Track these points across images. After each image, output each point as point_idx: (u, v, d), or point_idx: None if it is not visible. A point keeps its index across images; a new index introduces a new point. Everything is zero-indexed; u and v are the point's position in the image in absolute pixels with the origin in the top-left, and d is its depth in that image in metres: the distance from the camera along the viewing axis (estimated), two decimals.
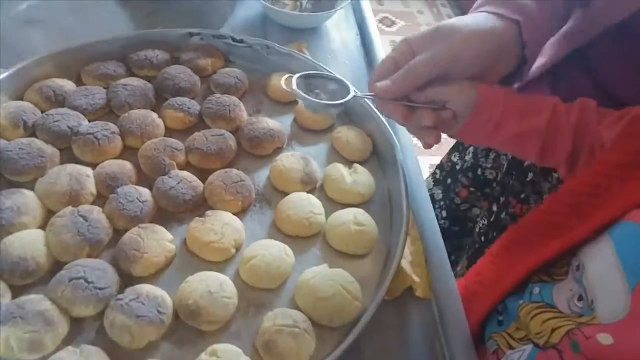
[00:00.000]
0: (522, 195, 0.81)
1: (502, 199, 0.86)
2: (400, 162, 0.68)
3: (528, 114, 0.54)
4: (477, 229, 0.95)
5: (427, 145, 0.60)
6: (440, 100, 0.55)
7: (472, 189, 0.97)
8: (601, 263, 0.49)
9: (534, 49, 0.57)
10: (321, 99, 0.61)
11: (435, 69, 0.53)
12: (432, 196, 1.05)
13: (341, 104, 0.61)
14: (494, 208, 0.88)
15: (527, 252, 0.57)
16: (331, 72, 0.69)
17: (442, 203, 1.03)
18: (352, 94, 0.61)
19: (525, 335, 0.55)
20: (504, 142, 0.57)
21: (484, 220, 0.93)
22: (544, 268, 0.57)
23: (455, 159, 0.99)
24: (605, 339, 0.44)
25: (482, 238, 0.90)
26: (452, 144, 1.02)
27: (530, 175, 0.79)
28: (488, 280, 0.62)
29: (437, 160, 1.16)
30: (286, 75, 0.64)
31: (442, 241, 0.66)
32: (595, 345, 0.44)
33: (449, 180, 1.00)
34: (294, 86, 0.61)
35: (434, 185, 1.05)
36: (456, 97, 0.54)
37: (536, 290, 0.56)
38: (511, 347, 0.55)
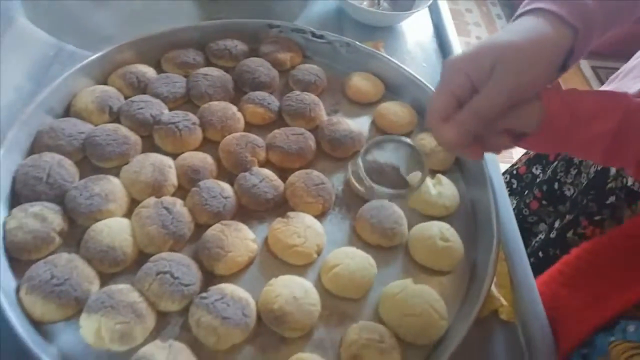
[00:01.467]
0: (597, 218, 0.77)
1: (568, 217, 0.82)
2: (488, 176, 0.66)
3: (597, 118, 0.48)
4: (534, 244, 0.92)
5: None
6: (510, 128, 0.49)
7: (544, 202, 0.93)
8: None
9: (577, 58, 0.51)
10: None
11: (504, 106, 0.46)
12: None
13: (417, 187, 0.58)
14: (556, 225, 0.85)
15: (616, 288, 0.54)
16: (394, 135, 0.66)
17: None
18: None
19: None
20: (573, 149, 0.52)
21: (543, 234, 0.89)
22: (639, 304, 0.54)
23: (537, 171, 0.96)
24: None
25: (541, 254, 0.87)
26: (532, 156, 0.99)
27: (612, 198, 0.75)
28: (571, 310, 0.59)
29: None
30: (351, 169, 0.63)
31: (528, 263, 0.63)
32: None
33: (526, 192, 0.97)
34: (366, 178, 0.59)
35: (509, 195, 1.02)
36: (526, 120, 0.48)
37: (631, 328, 0.53)
38: None
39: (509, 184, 1.05)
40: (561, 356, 0.57)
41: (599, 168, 0.79)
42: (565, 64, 0.49)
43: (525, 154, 1.04)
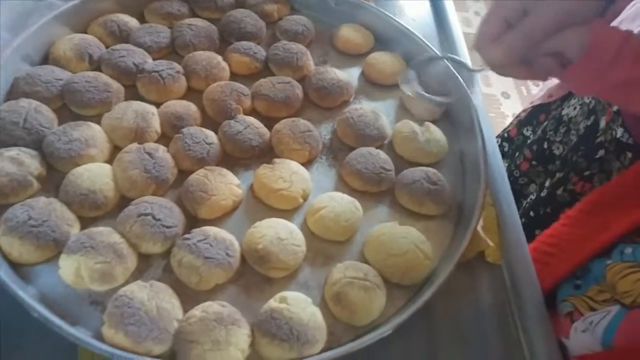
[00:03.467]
0: (587, 173, 0.77)
1: (558, 175, 0.82)
2: (477, 122, 0.65)
3: (637, 62, 0.48)
4: (525, 204, 0.91)
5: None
6: (557, 51, 0.50)
7: (534, 162, 0.93)
8: None
9: None
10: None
11: (553, 29, 0.48)
12: None
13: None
14: (547, 183, 0.85)
15: (617, 216, 0.54)
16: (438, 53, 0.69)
17: None
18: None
19: (611, 297, 0.52)
20: (610, 89, 0.52)
21: (533, 195, 0.89)
22: (637, 230, 0.54)
23: (527, 132, 0.95)
24: None
25: (532, 213, 0.87)
26: (523, 118, 0.98)
27: (601, 152, 0.74)
28: (566, 244, 0.59)
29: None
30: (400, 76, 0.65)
31: (515, 207, 0.63)
32: None
33: (517, 154, 0.96)
34: (418, 89, 0.63)
35: (501, 158, 1.01)
36: (574, 45, 0.49)
37: (628, 250, 0.53)
38: (592, 309, 0.53)
39: (501, 147, 1.04)
40: (550, 287, 0.58)
41: (589, 123, 0.79)
42: None
43: (516, 117, 1.03)
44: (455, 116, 0.71)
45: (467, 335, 0.55)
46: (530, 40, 0.48)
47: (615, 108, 0.71)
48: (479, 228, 0.58)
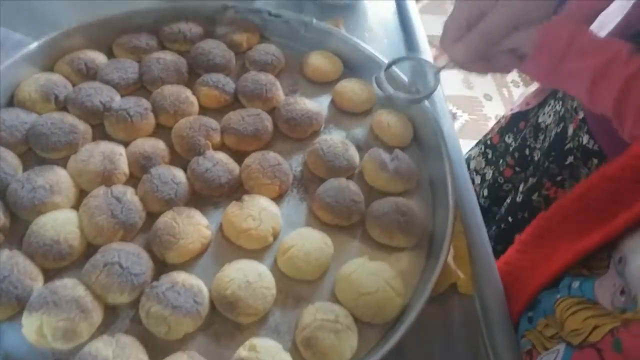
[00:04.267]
0: (559, 178, 0.78)
1: (532, 180, 0.83)
2: (445, 151, 0.65)
3: (588, 52, 0.52)
4: (502, 210, 0.92)
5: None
6: (514, 48, 0.55)
7: (517, 168, 0.94)
8: None
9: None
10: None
11: (508, 29, 0.53)
12: (483, 176, 1.03)
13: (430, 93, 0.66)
14: (521, 188, 0.86)
15: (564, 244, 0.54)
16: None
17: (487, 182, 1.01)
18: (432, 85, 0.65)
19: (556, 333, 0.52)
20: (562, 80, 0.56)
21: (509, 199, 0.90)
22: (583, 261, 0.54)
23: (509, 140, 0.97)
24: None
25: (510, 218, 0.88)
26: (504, 125, 0.99)
27: (570, 158, 0.76)
28: (519, 272, 0.60)
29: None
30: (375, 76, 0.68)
31: (487, 236, 0.63)
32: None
33: (500, 161, 0.97)
34: (388, 87, 0.66)
35: (485, 165, 1.02)
36: (528, 42, 0.54)
37: (575, 284, 0.53)
38: (545, 348, 0.53)
39: (484, 154, 1.05)
40: (513, 322, 0.58)
41: (558, 130, 0.80)
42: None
43: (497, 123, 1.05)
44: (424, 142, 0.71)
45: None
46: (488, 38, 0.54)
47: (581, 115, 0.73)
48: (450, 259, 0.58)
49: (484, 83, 2.59)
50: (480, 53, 0.55)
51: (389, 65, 0.69)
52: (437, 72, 0.65)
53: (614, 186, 0.51)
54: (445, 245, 0.56)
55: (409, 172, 0.65)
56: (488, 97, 2.56)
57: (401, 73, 0.75)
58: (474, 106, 2.50)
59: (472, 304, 0.59)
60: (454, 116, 2.42)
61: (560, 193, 0.77)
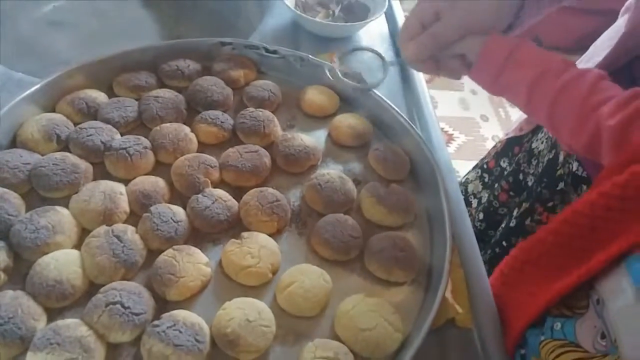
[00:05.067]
0: (550, 204, 0.79)
1: (525, 205, 0.84)
2: (442, 186, 0.66)
3: (525, 65, 0.56)
4: (497, 234, 0.93)
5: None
6: (461, 54, 0.60)
7: (511, 193, 0.95)
8: (620, 300, 0.45)
9: (530, 15, 0.61)
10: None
11: (457, 35, 0.58)
12: (479, 200, 1.05)
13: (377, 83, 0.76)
14: (515, 213, 0.87)
15: (544, 281, 0.54)
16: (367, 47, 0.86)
17: (483, 206, 1.02)
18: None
19: None
20: (503, 90, 0.60)
21: (504, 224, 0.91)
22: (564, 299, 0.53)
23: (504, 164, 0.98)
24: None
25: (505, 243, 0.88)
26: (500, 149, 1.01)
27: (562, 184, 0.77)
28: (504, 307, 0.60)
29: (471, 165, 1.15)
30: (329, 68, 0.78)
31: (484, 269, 0.64)
32: None
33: (495, 185, 0.98)
34: (340, 76, 0.76)
35: (482, 188, 1.04)
36: (473, 51, 0.59)
37: (557, 326, 0.53)
38: None
39: (481, 178, 1.07)
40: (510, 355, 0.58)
41: (551, 156, 0.82)
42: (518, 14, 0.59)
43: (493, 147, 1.06)
44: (420, 175, 0.72)
45: None
46: (436, 41, 0.59)
47: None
48: (447, 294, 0.58)
49: (481, 104, 2.63)
50: (428, 54, 0.60)
51: (343, 55, 0.77)
52: (387, 65, 0.74)
53: (587, 223, 0.49)
54: (443, 279, 0.57)
55: (406, 205, 0.66)
56: (485, 118, 2.59)
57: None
58: (470, 127, 2.53)
59: (471, 336, 0.59)
60: (450, 138, 2.45)
61: (552, 218, 0.78)
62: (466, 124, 2.53)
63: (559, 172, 0.78)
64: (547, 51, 0.57)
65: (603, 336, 0.47)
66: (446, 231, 0.62)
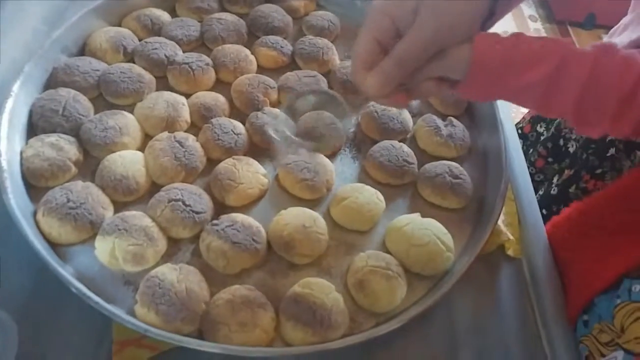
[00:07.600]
0: (598, 171, 0.76)
1: (567, 171, 0.81)
2: (500, 119, 0.65)
3: (531, 65, 0.44)
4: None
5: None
6: (437, 74, 0.45)
7: (550, 159, 0.92)
8: None
9: (503, 12, 0.48)
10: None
11: (427, 52, 0.42)
12: None
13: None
14: (554, 180, 0.84)
15: (619, 248, 0.51)
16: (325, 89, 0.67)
17: None
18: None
19: (612, 340, 0.50)
20: (507, 95, 0.48)
21: (542, 191, 0.88)
22: None
23: (541, 129, 0.95)
24: None
25: (544, 211, 0.86)
26: (535, 114, 0.98)
27: (612, 150, 0.74)
28: (570, 273, 0.58)
29: None
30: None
31: (536, 203, 0.63)
32: None
33: (531, 150, 0.96)
34: (285, 132, 0.53)
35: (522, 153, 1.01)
36: (453, 65, 0.43)
37: (636, 288, 0.50)
38: (602, 354, 0.51)
39: None
40: (571, 323, 0.57)
41: None
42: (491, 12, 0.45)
43: (529, 112, 1.03)
44: (477, 111, 0.72)
45: (487, 328, 0.55)
46: (405, 67, 0.42)
47: None
48: (500, 222, 0.58)
49: None
50: (395, 85, 0.43)
51: (291, 102, 0.56)
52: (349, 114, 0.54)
53: None
54: (497, 207, 0.57)
55: (462, 138, 0.66)
56: None
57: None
58: None
59: (520, 266, 0.59)
60: None
61: (601, 185, 0.75)
62: None
63: (609, 138, 0.75)
64: (550, 38, 0.45)
65: None
66: (502, 162, 0.61)
